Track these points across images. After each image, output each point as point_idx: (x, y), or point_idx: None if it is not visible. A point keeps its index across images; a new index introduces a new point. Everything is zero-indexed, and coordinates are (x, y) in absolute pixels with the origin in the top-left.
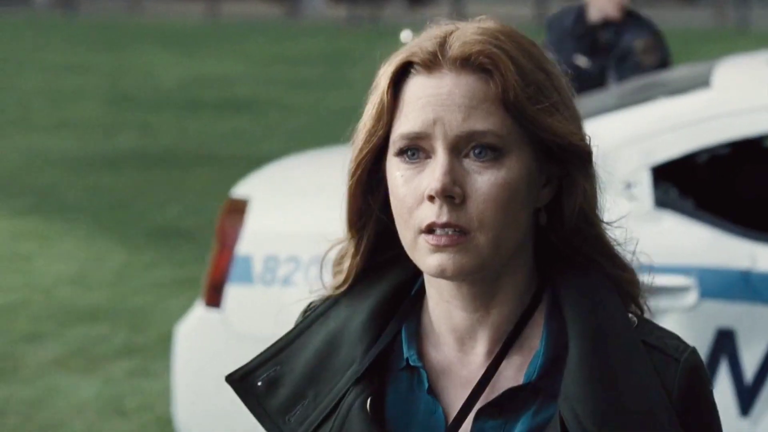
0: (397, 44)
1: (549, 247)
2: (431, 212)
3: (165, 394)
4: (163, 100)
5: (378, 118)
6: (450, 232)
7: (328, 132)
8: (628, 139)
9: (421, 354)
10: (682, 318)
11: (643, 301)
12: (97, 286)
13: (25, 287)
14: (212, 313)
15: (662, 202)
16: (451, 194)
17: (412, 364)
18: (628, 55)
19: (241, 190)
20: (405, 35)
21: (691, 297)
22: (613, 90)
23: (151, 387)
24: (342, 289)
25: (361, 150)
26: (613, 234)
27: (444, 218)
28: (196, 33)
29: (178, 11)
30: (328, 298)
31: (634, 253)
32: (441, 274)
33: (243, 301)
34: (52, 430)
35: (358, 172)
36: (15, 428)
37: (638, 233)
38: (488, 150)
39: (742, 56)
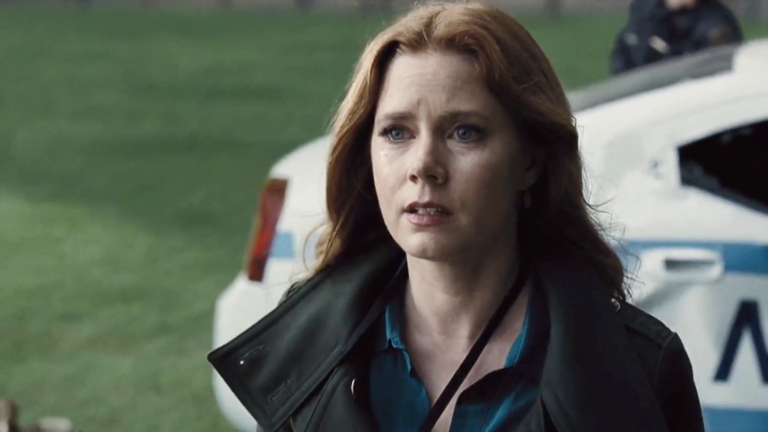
0: None
1: (533, 231)
2: (413, 192)
3: (200, 371)
4: (184, 87)
5: (360, 97)
6: (432, 212)
7: None
8: (655, 120)
9: (404, 336)
10: (707, 290)
11: (625, 287)
12: (128, 269)
13: (57, 269)
14: (255, 287)
15: (687, 180)
16: (434, 174)
17: (394, 346)
18: (704, 43)
19: (281, 170)
20: None
21: (716, 270)
22: (640, 73)
23: (185, 364)
24: (322, 269)
25: (342, 128)
26: (598, 219)
27: (426, 198)
28: (209, 22)
29: (189, 0)
30: (312, 279)
31: (616, 237)
32: (422, 253)
33: (285, 275)
34: (92, 404)
35: (338, 149)
36: (55, 403)
37: (664, 210)
38: (472, 131)
39: (763, 42)
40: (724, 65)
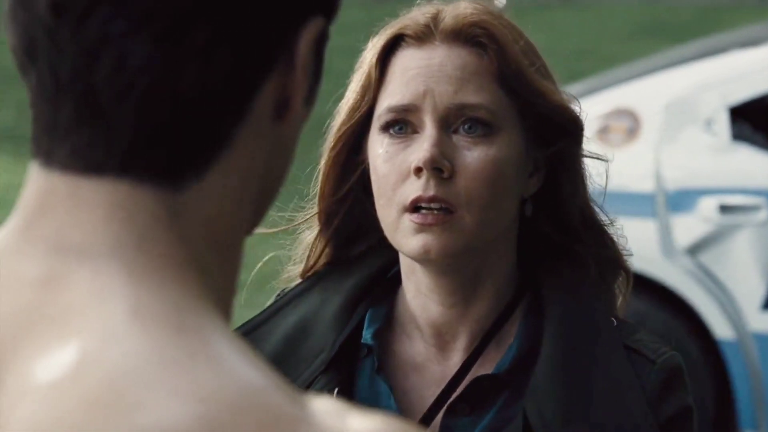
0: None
1: (533, 242)
2: (417, 186)
3: None
4: None
5: (363, 93)
6: (435, 211)
7: None
8: (708, 84)
9: (389, 342)
10: (756, 231)
11: (626, 275)
12: None
13: None
14: None
15: (738, 136)
16: (440, 166)
17: (363, 342)
18: None
19: None
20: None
21: (763, 214)
22: (694, 43)
23: None
24: (310, 275)
25: (341, 126)
26: (602, 217)
27: (431, 192)
28: None
29: None
30: (300, 284)
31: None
32: (425, 255)
33: None
34: None
35: (337, 148)
36: None
37: (718, 162)
38: (479, 125)
39: None
40: None
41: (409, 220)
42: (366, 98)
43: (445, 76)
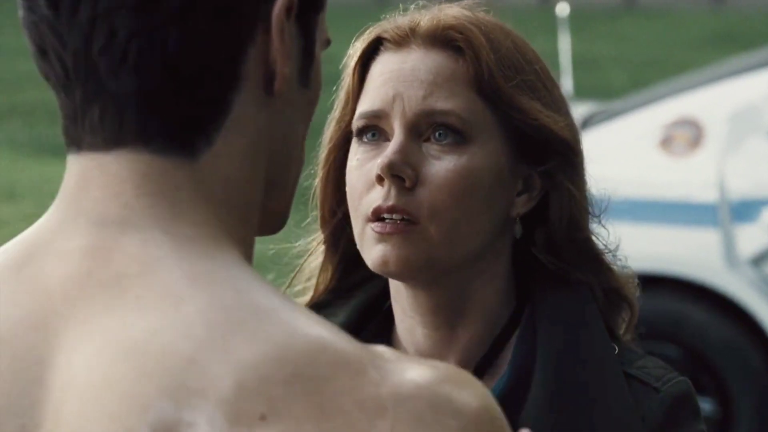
0: None
1: (531, 262)
2: (379, 196)
3: None
4: None
5: (346, 102)
6: (397, 220)
7: None
8: None
9: None
10: None
11: (629, 307)
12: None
13: None
14: None
15: None
16: (400, 174)
17: None
18: None
19: None
20: (560, 7)
21: None
22: (757, 52)
23: None
24: (310, 306)
25: (330, 139)
26: (602, 241)
27: (390, 201)
28: None
29: None
30: None
31: (617, 256)
32: (383, 267)
33: None
34: None
35: (329, 163)
36: None
37: None
38: (449, 133)
39: None
40: None
41: (371, 229)
42: (348, 107)
43: (417, 80)
